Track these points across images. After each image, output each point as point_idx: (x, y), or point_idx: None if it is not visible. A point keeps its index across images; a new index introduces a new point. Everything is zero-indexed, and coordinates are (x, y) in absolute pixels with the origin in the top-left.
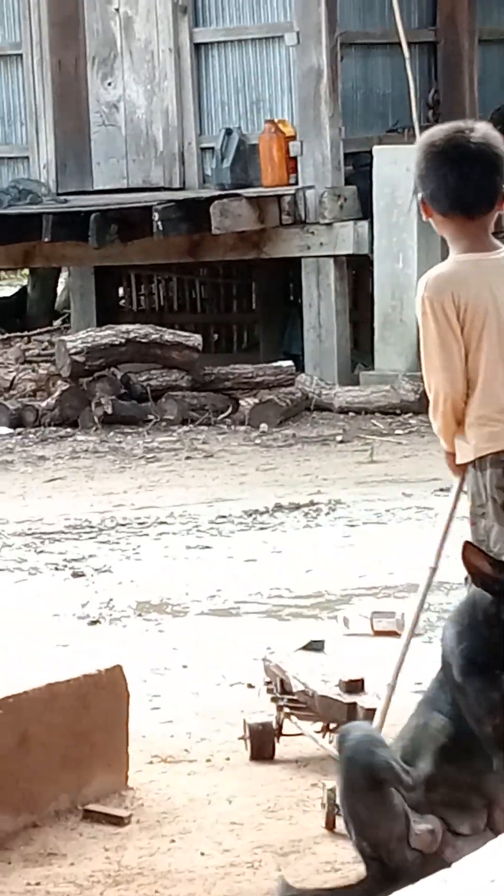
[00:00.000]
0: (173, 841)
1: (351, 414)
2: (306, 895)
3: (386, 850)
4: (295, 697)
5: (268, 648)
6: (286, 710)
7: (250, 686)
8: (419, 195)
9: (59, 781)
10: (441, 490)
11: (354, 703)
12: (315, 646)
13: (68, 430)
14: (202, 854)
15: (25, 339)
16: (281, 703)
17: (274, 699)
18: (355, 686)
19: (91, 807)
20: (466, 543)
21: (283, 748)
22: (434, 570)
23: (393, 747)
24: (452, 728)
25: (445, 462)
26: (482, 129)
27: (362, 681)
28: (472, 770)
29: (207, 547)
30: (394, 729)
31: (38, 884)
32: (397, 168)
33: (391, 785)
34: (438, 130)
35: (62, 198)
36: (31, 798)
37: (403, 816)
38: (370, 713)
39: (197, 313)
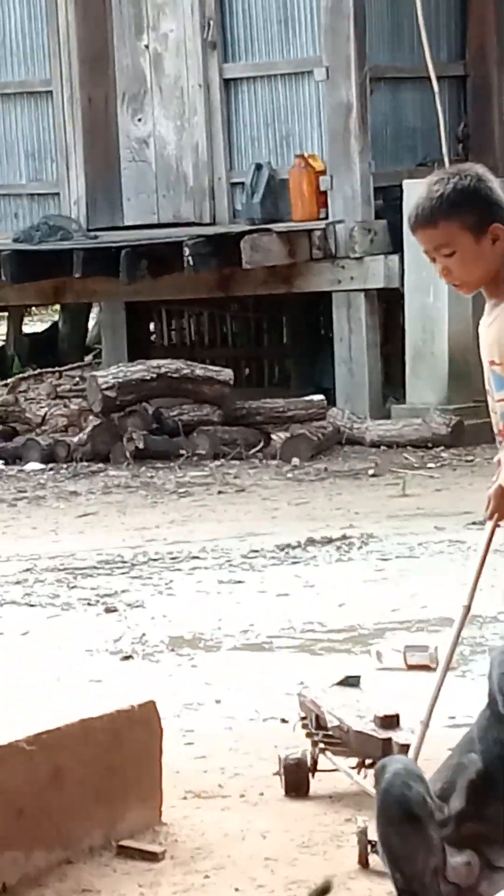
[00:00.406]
0: (207, 877)
1: (382, 448)
2: None
3: (420, 884)
4: (330, 733)
5: (301, 683)
6: (321, 745)
7: (284, 721)
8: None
9: (92, 817)
10: (473, 523)
11: (389, 739)
12: (351, 681)
13: (100, 465)
14: (236, 890)
15: (57, 374)
16: (316, 738)
17: (309, 734)
18: (391, 722)
19: (125, 842)
20: None
21: (316, 783)
22: (468, 608)
23: (431, 782)
24: (489, 766)
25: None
26: None
27: (398, 716)
28: None
29: (240, 581)
30: (428, 763)
31: None
32: None
33: (425, 819)
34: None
35: (92, 234)
36: (64, 834)
37: (439, 850)
38: (405, 749)
39: (228, 348)
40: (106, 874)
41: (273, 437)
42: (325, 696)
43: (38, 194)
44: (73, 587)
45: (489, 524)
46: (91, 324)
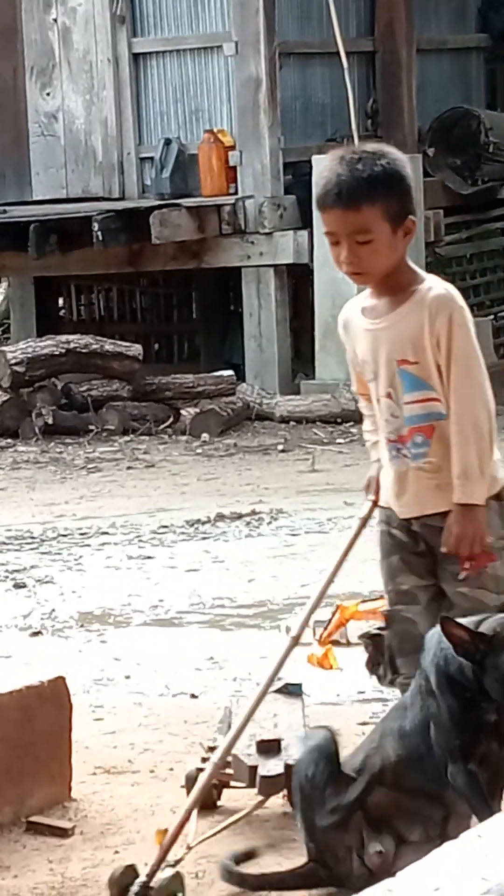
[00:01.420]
0: (117, 852)
1: (292, 423)
2: (248, 879)
3: (332, 858)
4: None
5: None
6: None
7: (193, 696)
8: (410, 216)
9: (1, 794)
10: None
11: (255, 767)
12: (291, 689)
13: (9, 440)
14: (146, 864)
15: None
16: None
17: (210, 748)
18: (269, 747)
19: (34, 819)
20: (444, 619)
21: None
22: (321, 596)
23: (353, 754)
24: (410, 735)
25: (474, 519)
26: None
27: (278, 742)
28: (428, 781)
29: (149, 557)
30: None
31: None
32: None
33: (327, 800)
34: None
35: (1, 208)
36: None
37: (354, 830)
38: (267, 782)
39: (137, 323)
40: (16, 850)
41: (182, 412)
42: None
43: None
44: None
45: (367, 505)
46: None
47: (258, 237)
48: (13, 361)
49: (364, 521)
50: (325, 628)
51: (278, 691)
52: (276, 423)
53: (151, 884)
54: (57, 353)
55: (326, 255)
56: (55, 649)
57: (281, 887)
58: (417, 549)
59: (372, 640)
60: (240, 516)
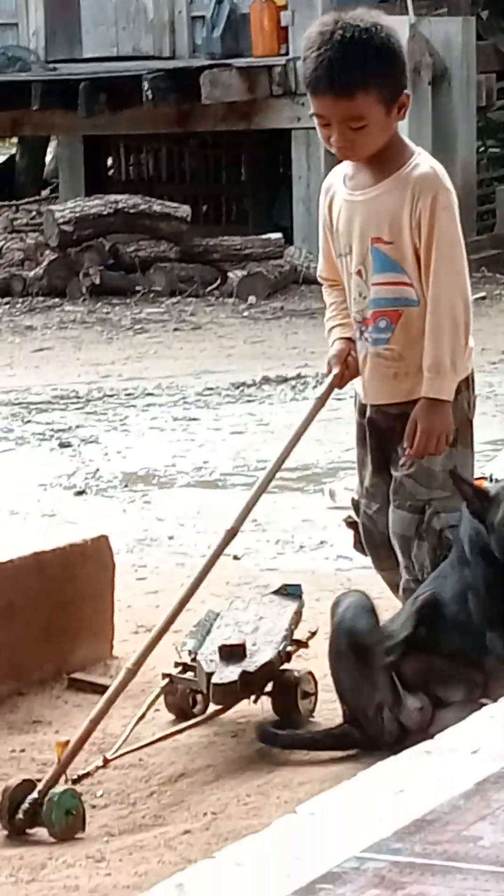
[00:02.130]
0: (157, 710)
1: None
2: (283, 739)
3: (364, 717)
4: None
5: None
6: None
7: (236, 558)
8: (405, 92)
9: (44, 650)
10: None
11: (212, 674)
12: (289, 590)
13: (56, 300)
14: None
15: (13, 208)
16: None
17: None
18: (231, 652)
19: (76, 675)
20: (452, 472)
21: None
22: (280, 461)
23: (390, 620)
24: (446, 599)
25: (442, 415)
26: None
27: (243, 647)
28: (467, 647)
29: (194, 419)
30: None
31: (22, 750)
32: None
33: (370, 652)
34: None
35: (51, 66)
36: (16, 666)
37: (385, 687)
38: (217, 689)
39: (186, 184)
40: (57, 706)
41: (230, 274)
42: (227, 615)
43: None
44: (28, 422)
45: (328, 381)
46: (48, 157)
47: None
48: (61, 221)
49: (324, 400)
50: None
51: (276, 592)
52: None
53: (44, 799)
54: (105, 212)
55: None
56: (99, 509)
57: (315, 747)
58: (372, 437)
59: (351, 527)
60: (285, 380)
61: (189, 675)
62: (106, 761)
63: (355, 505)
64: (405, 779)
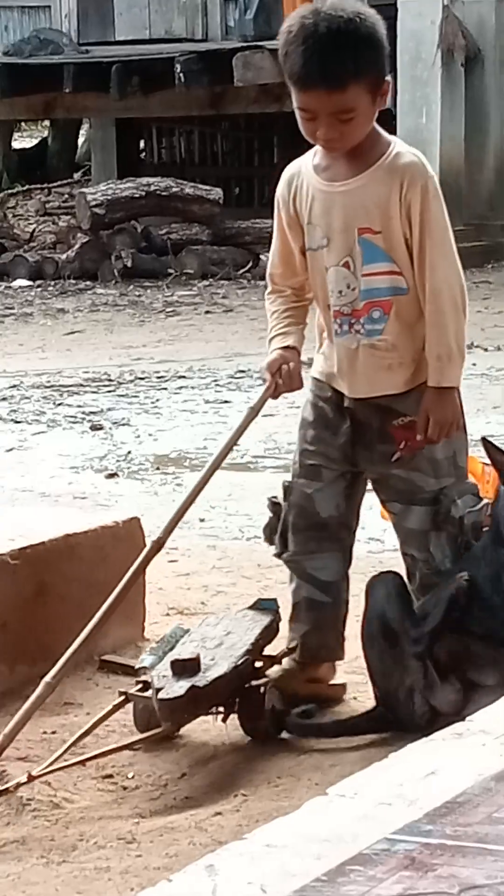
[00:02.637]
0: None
1: None
2: (325, 728)
3: (395, 700)
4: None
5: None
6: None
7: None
8: (388, 78)
9: (75, 632)
10: None
11: (159, 690)
12: (263, 605)
13: (88, 282)
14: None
15: (45, 191)
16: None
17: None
18: (185, 667)
19: (107, 657)
20: (484, 439)
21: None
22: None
23: (423, 603)
24: (480, 581)
25: (452, 402)
26: None
27: (197, 661)
28: (501, 629)
29: (226, 401)
30: None
31: (54, 732)
32: (422, 21)
33: (401, 635)
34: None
35: (83, 48)
36: (47, 648)
37: (416, 670)
38: (163, 705)
39: (218, 167)
40: (88, 688)
41: (261, 257)
42: (196, 631)
43: (29, 7)
44: (60, 404)
45: (263, 390)
46: (81, 140)
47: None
48: (93, 203)
49: (257, 410)
50: None
51: (251, 607)
52: None
53: None
54: (137, 195)
55: (410, 100)
56: (131, 491)
57: (356, 732)
58: (340, 427)
59: (272, 509)
60: None
61: (149, 692)
62: (31, 777)
63: (286, 487)
64: (436, 761)
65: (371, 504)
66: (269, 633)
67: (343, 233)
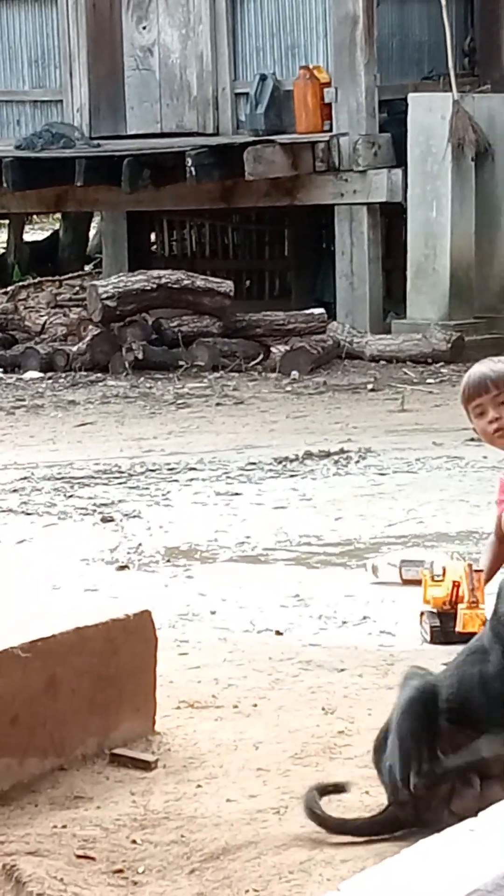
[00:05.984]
0: (199, 786)
1: (382, 362)
2: (329, 822)
3: (424, 806)
4: None
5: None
6: None
7: (278, 633)
8: None
9: (86, 725)
10: (472, 440)
11: None
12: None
13: (99, 374)
14: (228, 800)
15: (57, 283)
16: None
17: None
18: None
19: (118, 751)
20: None
21: (310, 694)
22: None
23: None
24: (492, 684)
25: None
26: None
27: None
28: None
29: (237, 493)
30: None
31: (64, 826)
32: (432, 116)
33: (435, 741)
34: None
35: (95, 142)
36: (58, 741)
37: (450, 782)
38: None
39: (229, 259)
40: (99, 781)
41: (273, 349)
42: None
43: (41, 101)
44: (70, 496)
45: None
46: (92, 233)
47: (352, 175)
48: (104, 296)
49: None
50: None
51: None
52: (366, 362)
53: None
54: (148, 287)
55: (421, 193)
56: (141, 583)
57: (359, 833)
58: None
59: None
60: (328, 454)
61: None
62: None
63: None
64: (449, 856)
65: (383, 597)
66: None
67: None
